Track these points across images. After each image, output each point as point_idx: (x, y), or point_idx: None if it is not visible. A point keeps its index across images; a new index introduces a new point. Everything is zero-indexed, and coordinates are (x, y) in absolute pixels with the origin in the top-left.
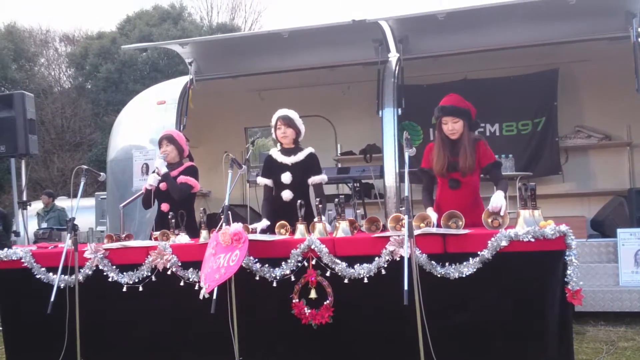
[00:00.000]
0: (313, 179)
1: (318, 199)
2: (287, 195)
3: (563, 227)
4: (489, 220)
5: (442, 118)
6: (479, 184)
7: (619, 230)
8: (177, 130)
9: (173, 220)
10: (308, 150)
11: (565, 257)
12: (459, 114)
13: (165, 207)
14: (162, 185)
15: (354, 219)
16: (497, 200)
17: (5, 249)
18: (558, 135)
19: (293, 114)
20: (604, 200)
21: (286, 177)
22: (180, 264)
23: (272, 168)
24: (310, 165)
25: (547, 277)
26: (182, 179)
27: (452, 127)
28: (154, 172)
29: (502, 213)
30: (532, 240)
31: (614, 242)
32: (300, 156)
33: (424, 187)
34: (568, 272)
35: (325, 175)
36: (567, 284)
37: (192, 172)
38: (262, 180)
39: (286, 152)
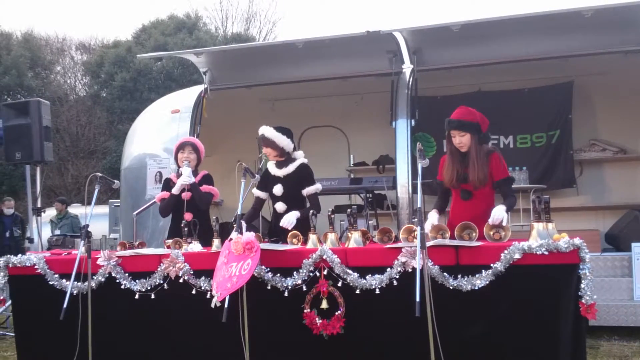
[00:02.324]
0: (307, 190)
1: (312, 211)
2: (280, 207)
3: (577, 241)
4: (491, 232)
5: (450, 131)
6: (493, 196)
7: (633, 245)
8: (197, 140)
9: (186, 229)
10: (299, 161)
11: (579, 271)
12: (465, 128)
13: (188, 216)
14: (185, 195)
15: (366, 229)
16: (499, 212)
17: (20, 255)
18: (572, 148)
19: (269, 132)
20: (619, 214)
21: (277, 189)
22: (192, 272)
23: (267, 181)
24: (302, 176)
25: (560, 290)
26: (205, 188)
27: (460, 140)
28: (180, 175)
29: (504, 224)
30: (546, 253)
31: (628, 256)
32: (290, 168)
33: (439, 196)
34: (582, 285)
35: (320, 184)
36: (580, 298)
37: (211, 180)
38: (256, 192)
39: (279, 164)
